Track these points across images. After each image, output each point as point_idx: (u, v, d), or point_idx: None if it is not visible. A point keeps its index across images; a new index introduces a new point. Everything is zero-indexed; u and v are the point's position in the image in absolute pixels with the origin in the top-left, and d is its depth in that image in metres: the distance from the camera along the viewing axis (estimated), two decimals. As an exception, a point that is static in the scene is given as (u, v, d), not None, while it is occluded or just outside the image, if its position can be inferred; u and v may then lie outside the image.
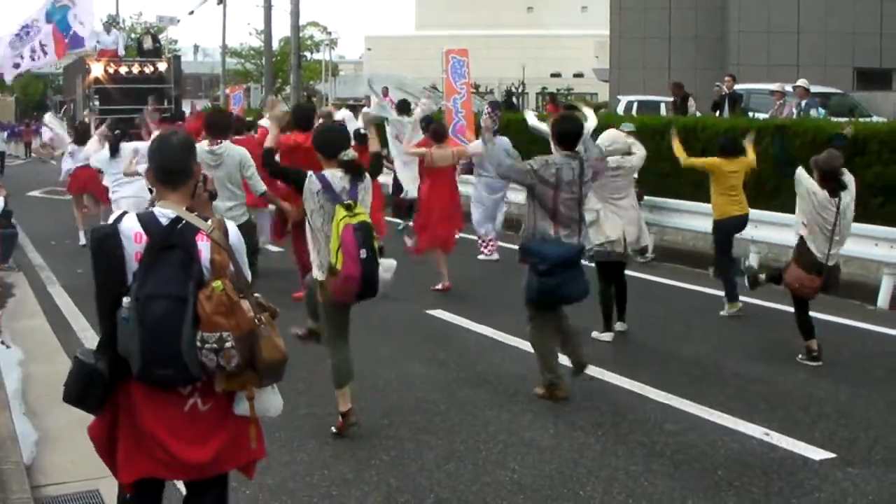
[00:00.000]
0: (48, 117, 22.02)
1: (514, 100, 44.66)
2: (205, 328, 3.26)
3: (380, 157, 6.67)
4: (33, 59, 21.04)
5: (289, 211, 8.75)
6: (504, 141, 12.36)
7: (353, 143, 11.68)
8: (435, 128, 11.19)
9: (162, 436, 3.38)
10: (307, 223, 6.00)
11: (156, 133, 7.08)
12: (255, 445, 3.54)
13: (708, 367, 7.69)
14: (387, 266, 5.97)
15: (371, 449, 5.83)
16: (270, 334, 3.36)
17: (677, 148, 10.13)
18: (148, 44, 25.54)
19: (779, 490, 5.24)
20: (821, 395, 6.94)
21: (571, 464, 5.59)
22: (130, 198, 10.96)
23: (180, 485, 3.84)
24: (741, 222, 9.62)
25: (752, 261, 11.63)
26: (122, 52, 24.37)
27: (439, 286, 10.64)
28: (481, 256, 12.81)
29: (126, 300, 3.31)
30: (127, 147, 11.76)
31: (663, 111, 19.16)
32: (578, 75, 65.57)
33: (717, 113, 17.53)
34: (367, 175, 6.00)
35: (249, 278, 3.55)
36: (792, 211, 10.93)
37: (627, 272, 8.88)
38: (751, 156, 9.48)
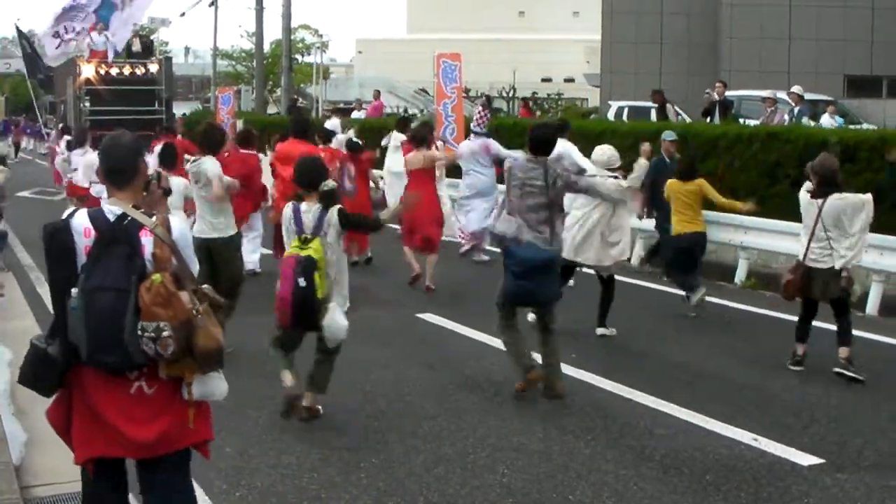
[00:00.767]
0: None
1: (494, 105, 44.52)
2: (144, 318, 3.47)
3: (366, 218, 7.53)
4: (68, 41, 21.92)
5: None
6: (491, 142, 12.49)
7: (344, 151, 11.86)
8: (412, 133, 11.59)
9: (111, 416, 3.61)
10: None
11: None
12: (193, 426, 3.70)
13: (698, 373, 7.71)
14: (339, 317, 6.13)
15: (360, 452, 5.82)
16: (206, 324, 3.55)
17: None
18: (137, 47, 25.41)
19: (767, 495, 5.25)
20: (810, 400, 6.96)
21: (561, 468, 5.60)
22: None
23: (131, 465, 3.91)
24: (696, 239, 9.98)
25: (741, 267, 11.79)
26: (111, 56, 24.26)
27: (426, 283, 10.79)
28: (462, 250, 12.91)
29: (75, 290, 3.53)
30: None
31: (654, 117, 19.16)
32: (569, 80, 65.51)
33: (708, 119, 17.52)
34: (335, 212, 6.22)
35: (196, 270, 3.77)
36: (781, 218, 11.06)
37: (618, 277, 8.92)
38: (701, 181, 9.96)
